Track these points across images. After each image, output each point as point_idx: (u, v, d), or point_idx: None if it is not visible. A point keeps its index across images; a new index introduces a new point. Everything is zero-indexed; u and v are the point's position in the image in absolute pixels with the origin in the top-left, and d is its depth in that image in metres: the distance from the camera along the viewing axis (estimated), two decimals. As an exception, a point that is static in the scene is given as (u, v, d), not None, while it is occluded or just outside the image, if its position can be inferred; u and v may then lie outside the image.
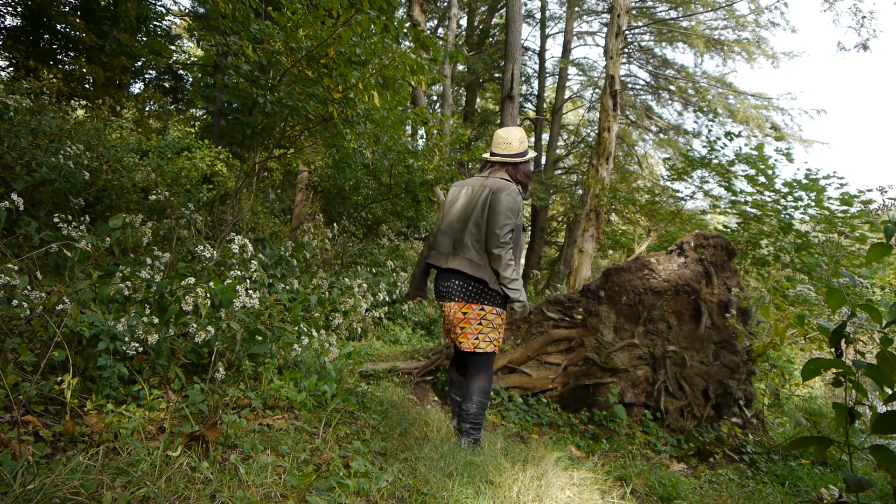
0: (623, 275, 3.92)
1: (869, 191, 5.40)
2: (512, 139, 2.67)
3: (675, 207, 7.76)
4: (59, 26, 6.92)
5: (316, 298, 3.78)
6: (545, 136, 17.57)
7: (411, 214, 7.37)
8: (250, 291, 2.51)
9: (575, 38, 16.47)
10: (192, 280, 2.43)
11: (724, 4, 12.14)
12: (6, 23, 6.81)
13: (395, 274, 6.15)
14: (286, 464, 1.82)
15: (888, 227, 1.36)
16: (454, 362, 2.86)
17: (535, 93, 17.72)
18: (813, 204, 5.81)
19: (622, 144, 15.95)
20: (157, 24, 9.53)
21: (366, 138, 4.99)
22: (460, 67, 15.67)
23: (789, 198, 5.94)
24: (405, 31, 3.95)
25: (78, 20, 6.88)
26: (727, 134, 6.36)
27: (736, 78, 45.06)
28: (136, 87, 13.92)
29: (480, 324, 2.49)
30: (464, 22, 18.23)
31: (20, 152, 3.70)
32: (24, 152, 3.72)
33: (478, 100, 18.89)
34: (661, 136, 15.61)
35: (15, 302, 2.02)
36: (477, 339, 2.49)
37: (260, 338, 2.64)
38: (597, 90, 16.90)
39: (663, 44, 14.48)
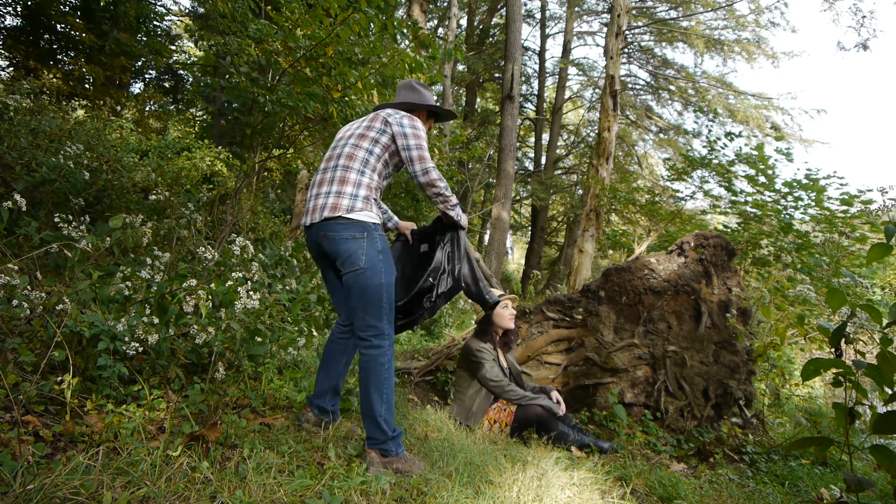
0: (623, 275, 3.92)
1: (869, 191, 5.40)
2: None
3: (675, 207, 7.76)
4: (59, 26, 6.91)
5: (316, 298, 3.78)
6: (545, 136, 17.58)
7: (411, 214, 7.37)
8: (251, 293, 2.51)
9: (575, 38, 16.49)
10: (193, 282, 2.44)
11: (724, 4, 12.15)
12: (6, 23, 6.81)
13: (395, 274, 6.13)
14: (286, 464, 1.82)
15: (889, 227, 1.36)
16: None
17: (535, 93, 17.73)
18: (813, 204, 5.81)
19: (622, 144, 15.96)
20: (157, 24, 9.52)
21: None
22: (460, 67, 15.68)
23: (789, 198, 5.94)
24: (404, 29, 3.95)
25: (78, 20, 6.87)
26: (727, 134, 6.37)
27: (736, 78, 45.11)
28: (136, 87, 13.92)
29: None
30: (464, 22, 18.24)
31: (20, 152, 3.70)
32: (24, 152, 3.72)
33: (478, 100, 18.90)
34: (661, 136, 15.62)
35: (15, 302, 2.02)
36: None
37: (260, 338, 2.64)
38: (597, 90, 16.91)
39: (663, 44, 14.50)
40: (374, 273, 1.99)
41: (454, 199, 2.27)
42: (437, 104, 2.44)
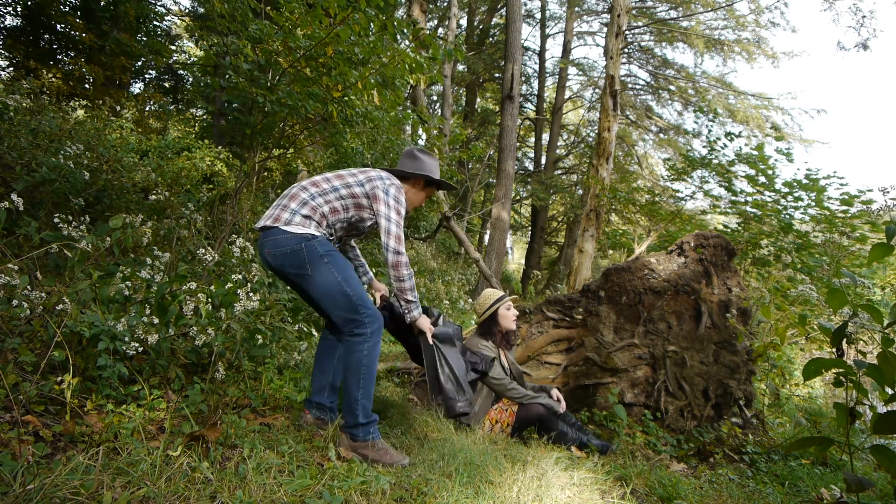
0: (623, 275, 3.92)
1: (869, 191, 5.40)
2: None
3: (675, 207, 7.76)
4: (59, 26, 6.91)
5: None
6: (545, 136, 17.58)
7: (411, 214, 7.37)
8: (251, 293, 2.51)
9: (575, 38, 16.49)
10: (193, 285, 2.44)
11: (724, 4, 12.15)
12: (6, 23, 6.81)
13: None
14: (286, 464, 1.82)
15: (889, 227, 1.36)
16: None
17: (535, 93, 17.73)
18: (813, 204, 5.81)
19: (622, 144, 15.96)
20: (157, 24, 9.53)
21: (363, 139, 4.99)
22: (460, 67, 15.69)
23: (789, 198, 5.94)
24: (404, 29, 3.95)
25: (78, 20, 6.87)
26: (727, 134, 6.36)
27: (736, 78, 45.15)
28: (136, 87, 13.91)
29: None
30: (464, 22, 18.24)
31: (20, 152, 3.70)
32: (24, 152, 3.72)
33: (478, 100, 18.90)
34: (661, 136, 15.62)
35: (15, 302, 2.02)
36: None
37: (260, 337, 2.64)
38: (597, 90, 16.91)
39: (663, 44, 14.50)
40: (325, 274, 2.04)
41: (411, 295, 2.26)
42: (436, 175, 2.44)
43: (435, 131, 6.75)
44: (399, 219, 2.17)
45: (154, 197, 4.03)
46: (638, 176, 14.08)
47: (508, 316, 3.19)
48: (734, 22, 12.47)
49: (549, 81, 17.69)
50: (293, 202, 2.12)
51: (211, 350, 2.42)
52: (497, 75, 16.61)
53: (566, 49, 15.98)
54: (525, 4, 16.42)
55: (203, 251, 3.07)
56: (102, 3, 7.05)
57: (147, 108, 12.45)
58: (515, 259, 31.28)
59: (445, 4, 15.68)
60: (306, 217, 2.09)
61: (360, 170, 2.30)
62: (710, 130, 8.09)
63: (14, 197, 2.29)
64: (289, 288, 3.92)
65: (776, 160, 6.02)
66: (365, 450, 2.04)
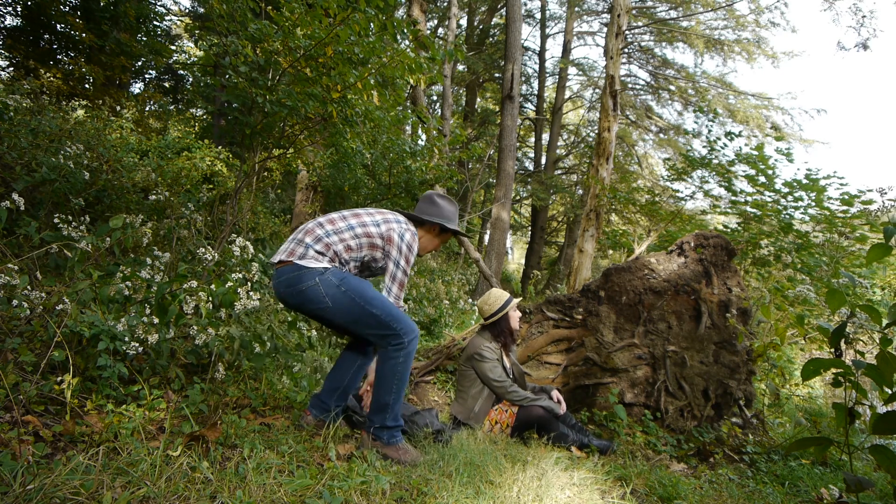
0: (623, 275, 3.92)
1: (869, 191, 5.40)
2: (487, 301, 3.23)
3: (675, 207, 7.76)
4: (59, 26, 6.91)
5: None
6: (545, 136, 17.58)
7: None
8: (251, 293, 2.51)
9: (575, 38, 16.49)
10: (193, 283, 2.44)
11: (724, 4, 12.15)
12: (6, 23, 6.81)
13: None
14: (286, 464, 1.82)
15: (888, 227, 1.36)
16: None
17: (535, 93, 17.74)
18: (813, 204, 5.80)
19: (622, 144, 15.96)
20: (157, 24, 9.53)
21: (363, 138, 4.99)
22: (460, 67, 15.69)
23: (789, 198, 5.94)
24: (404, 29, 3.95)
25: (78, 20, 6.87)
26: (727, 134, 6.36)
27: (736, 78, 45.16)
28: (136, 87, 13.93)
29: None
30: (464, 22, 18.25)
31: (20, 152, 3.70)
32: (24, 152, 3.72)
33: (478, 100, 18.90)
34: (661, 136, 15.62)
35: (15, 302, 2.02)
36: None
37: (258, 345, 2.64)
38: (597, 90, 16.92)
39: (663, 44, 14.50)
40: (346, 302, 2.06)
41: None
42: (453, 223, 2.47)
43: (435, 131, 6.75)
44: (407, 267, 2.21)
45: (154, 197, 4.03)
46: (638, 176, 14.08)
47: (515, 317, 3.23)
48: (734, 22, 12.48)
49: (549, 81, 17.70)
50: (308, 237, 2.14)
51: (211, 350, 2.43)
52: (497, 75, 16.61)
53: (566, 49, 15.99)
54: (525, 4, 16.44)
55: (203, 251, 3.07)
56: (102, 3, 7.05)
57: (147, 108, 12.47)
58: (515, 259, 31.29)
59: (445, 4, 15.69)
60: (320, 252, 2.11)
61: (377, 210, 2.33)
62: (710, 130, 8.09)
63: (14, 197, 2.29)
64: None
65: (776, 160, 6.02)
66: (386, 449, 2.09)
